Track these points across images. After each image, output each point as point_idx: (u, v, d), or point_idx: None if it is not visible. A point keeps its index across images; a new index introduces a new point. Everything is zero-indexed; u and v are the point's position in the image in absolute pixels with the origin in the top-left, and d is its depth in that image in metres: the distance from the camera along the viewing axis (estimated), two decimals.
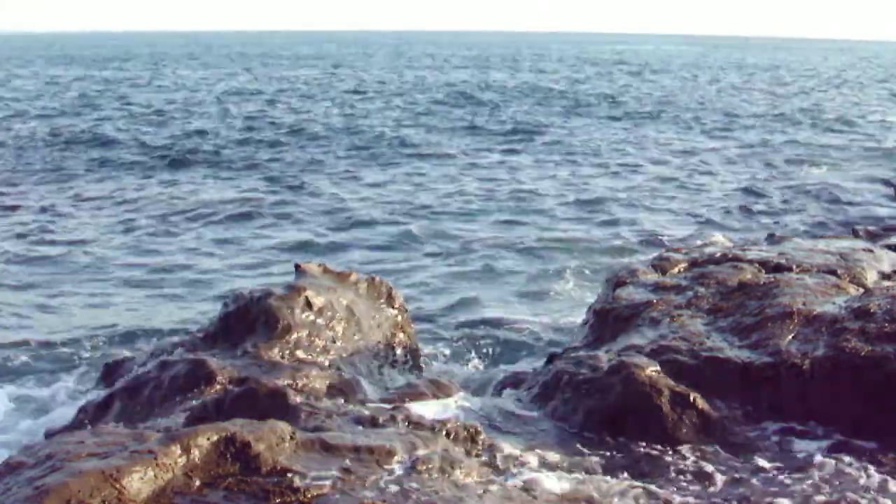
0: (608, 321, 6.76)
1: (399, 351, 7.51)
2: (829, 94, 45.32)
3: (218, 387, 6.05)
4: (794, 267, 7.14)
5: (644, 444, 4.99)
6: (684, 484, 4.54)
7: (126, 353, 8.47)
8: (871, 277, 7.08)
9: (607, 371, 5.51)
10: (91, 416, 6.46)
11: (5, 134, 26.04)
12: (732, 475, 4.62)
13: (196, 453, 3.94)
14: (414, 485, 3.97)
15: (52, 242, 14.03)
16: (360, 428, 4.70)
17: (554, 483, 4.39)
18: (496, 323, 10.42)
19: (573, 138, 26.38)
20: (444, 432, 4.71)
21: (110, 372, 7.47)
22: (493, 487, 4.19)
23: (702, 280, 7.00)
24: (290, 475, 3.90)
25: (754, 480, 4.57)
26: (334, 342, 6.90)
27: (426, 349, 8.86)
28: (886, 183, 18.56)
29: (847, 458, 4.80)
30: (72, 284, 12.01)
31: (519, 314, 10.80)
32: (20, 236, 14.35)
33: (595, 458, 4.81)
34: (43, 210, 16.24)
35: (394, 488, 3.92)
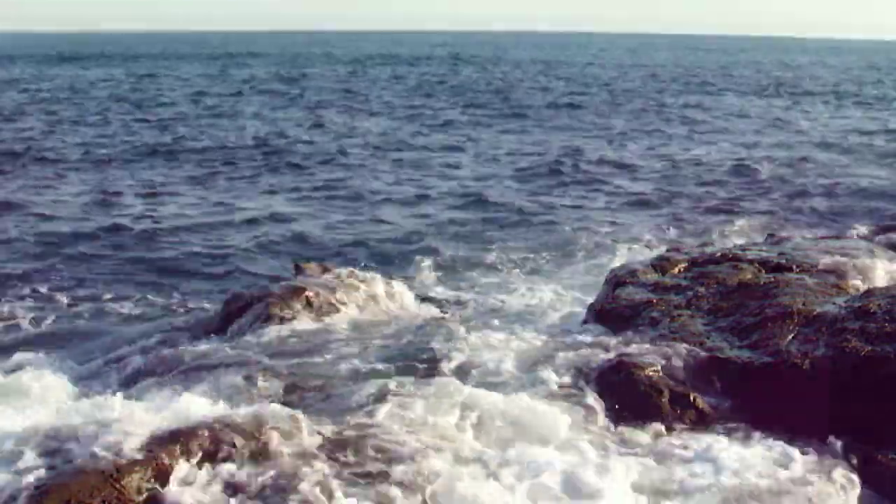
0: (608, 321, 6.76)
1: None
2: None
3: None
4: (794, 267, 7.14)
5: (643, 443, 4.99)
6: (682, 483, 4.54)
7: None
8: (871, 277, 7.07)
9: (607, 371, 5.51)
10: None
11: None
12: (731, 475, 4.62)
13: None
14: None
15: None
16: None
17: (555, 479, 4.40)
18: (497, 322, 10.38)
19: None
20: None
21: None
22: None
23: (702, 280, 7.00)
24: None
25: (753, 479, 4.56)
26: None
27: (428, 348, 8.82)
28: None
29: (847, 458, 4.80)
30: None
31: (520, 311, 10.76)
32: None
33: (594, 457, 4.80)
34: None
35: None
